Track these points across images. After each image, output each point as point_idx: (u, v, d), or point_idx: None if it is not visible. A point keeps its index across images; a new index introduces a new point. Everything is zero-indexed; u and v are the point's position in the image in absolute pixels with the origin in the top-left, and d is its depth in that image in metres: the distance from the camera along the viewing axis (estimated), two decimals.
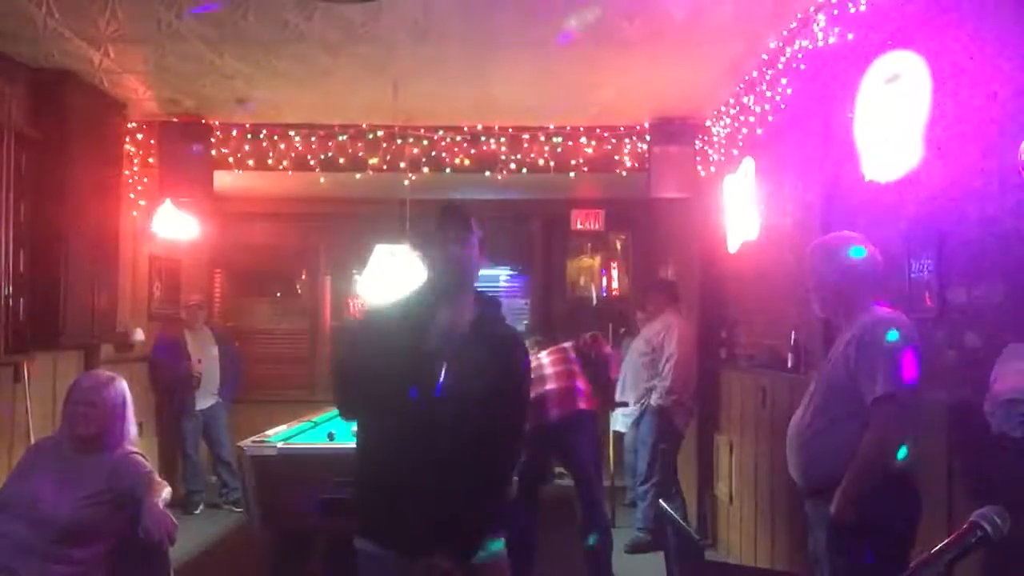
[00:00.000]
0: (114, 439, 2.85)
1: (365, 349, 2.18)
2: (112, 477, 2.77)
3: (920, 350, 2.41)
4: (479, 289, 2.32)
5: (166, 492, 2.84)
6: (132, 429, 2.95)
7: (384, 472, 2.13)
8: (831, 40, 3.64)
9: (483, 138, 6.05)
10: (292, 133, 6.00)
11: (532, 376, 4.55)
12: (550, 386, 4.50)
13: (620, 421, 5.92)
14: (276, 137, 6.01)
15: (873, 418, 2.35)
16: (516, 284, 8.11)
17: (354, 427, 2.29)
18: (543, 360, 4.68)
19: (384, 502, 2.12)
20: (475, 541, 2.13)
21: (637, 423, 5.55)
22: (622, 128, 6.01)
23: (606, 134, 6.02)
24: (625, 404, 5.74)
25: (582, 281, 8.18)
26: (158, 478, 2.89)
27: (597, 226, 7.39)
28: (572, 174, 6.06)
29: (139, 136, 5.88)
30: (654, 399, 5.36)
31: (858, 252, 2.59)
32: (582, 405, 4.54)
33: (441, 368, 2.08)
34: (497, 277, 8.03)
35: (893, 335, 2.38)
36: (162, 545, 2.71)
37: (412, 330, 2.13)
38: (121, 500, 2.77)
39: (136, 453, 2.92)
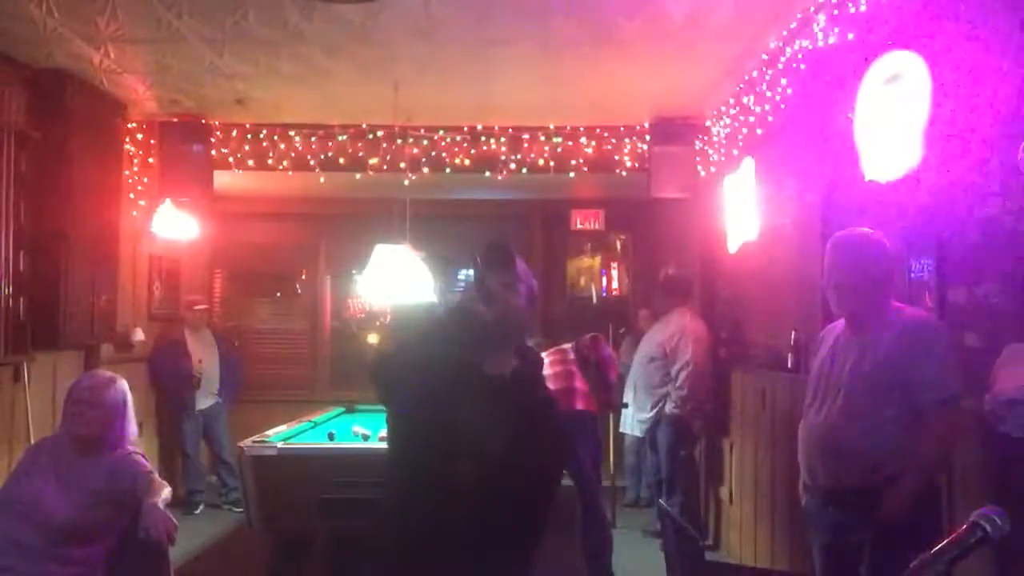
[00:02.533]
0: (114, 439, 2.85)
1: (401, 382, 1.97)
2: (113, 477, 2.77)
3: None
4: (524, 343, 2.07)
5: (166, 492, 2.83)
6: (132, 429, 2.95)
7: (404, 529, 1.93)
8: (831, 40, 3.64)
9: (483, 138, 6.05)
10: (292, 133, 6.00)
11: None
12: (549, 386, 4.49)
13: (632, 425, 5.70)
14: (276, 137, 6.02)
15: (938, 419, 2.33)
16: None
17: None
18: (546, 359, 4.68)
19: (405, 554, 1.92)
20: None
21: (652, 430, 5.37)
22: (622, 128, 6.01)
23: (606, 134, 6.02)
24: (625, 405, 5.67)
25: (582, 281, 8.18)
26: (158, 478, 2.89)
27: (597, 226, 7.39)
28: (572, 174, 6.06)
29: (139, 136, 5.88)
30: (669, 407, 5.19)
31: (885, 248, 2.56)
32: (580, 405, 4.53)
33: (468, 423, 1.86)
34: None
35: (945, 336, 2.39)
36: (162, 545, 2.71)
37: (450, 374, 1.89)
38: (121, 500, 2.77)
39: (136, 453, 2.92)
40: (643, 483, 6.52)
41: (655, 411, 5.31)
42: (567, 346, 4.85)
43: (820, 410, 2.58)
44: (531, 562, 1.97)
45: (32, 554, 2.61)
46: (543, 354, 4.69)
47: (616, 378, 5.08)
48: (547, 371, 4.57)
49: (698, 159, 5.84)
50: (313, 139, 6.02)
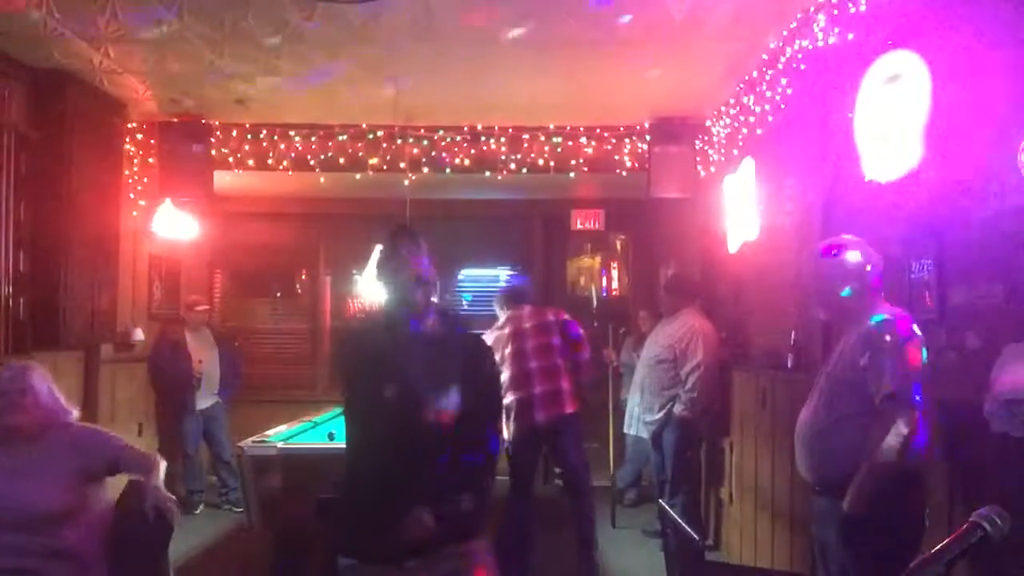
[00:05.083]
0: (56, 420, 2.83)
1: (347, 368, 2.42)
2: (80, 453, 2.78)
3: (924, 347, 2.45)
4: (436, 302, 2.45)
5: (162, 467, 2.88)
6: (69, 407, 2.90)
7: (366, 485, 2.26)
8: (831, 40, 3.64)
9: (483, 138, 6.05)
10: (292, 133, 6.00)
11: (513, 347, 4.59)
12: (537, 389, 4.58)
13: (638, 428, 5.65)
14: (276, 137, 6.02)
15: (886, 416, 2.38)
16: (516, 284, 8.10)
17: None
18: (525, 325, 4.71)
19: (367, 517, 2.24)
20: (453, 509, 2.24)
21: (660, 431, 5.28)
22: (622, 128, 6.01)
23: (606, 134, 6.02)
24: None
25: (582, 281, 8.18)
26: (141, 450, 2.92)
27: (597, 226, 7.38)
28: (572, 174, 6.06)
29: (139, 136, 5.88)
30: (678, 409, 5.10)
31: (859, 255, 2.61)
32: (568, 409, 4.64)
33: (411, 373, 2.25)
34: (497, 277, 8.03)
35: (898, 333, 2.42)
36: (168, 514, 2.73)
37: (384, 344, 2.32)
38: (96, 472, 2.79)
39: (86, 424, 2.94)
40: (618, 475, 6.45)
41: (663, 412, 5.26)
42: (552, 319, 4.79)
43: (805, 408, 2.71)
44: (486, 488, 2.36)
45: (18, 554, 2.59)
46: (527, 322, 4.71)
47: (588, 357, 5.02)
48: (533, 363, 4.63)
49: (698, 159, 5.84)
50: (313, 139, 6.02)
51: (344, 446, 2.41)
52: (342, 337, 2.86)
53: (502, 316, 4.89)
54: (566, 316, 4.90)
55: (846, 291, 2.59)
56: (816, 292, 2.71)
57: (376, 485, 2.21)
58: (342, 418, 5.28)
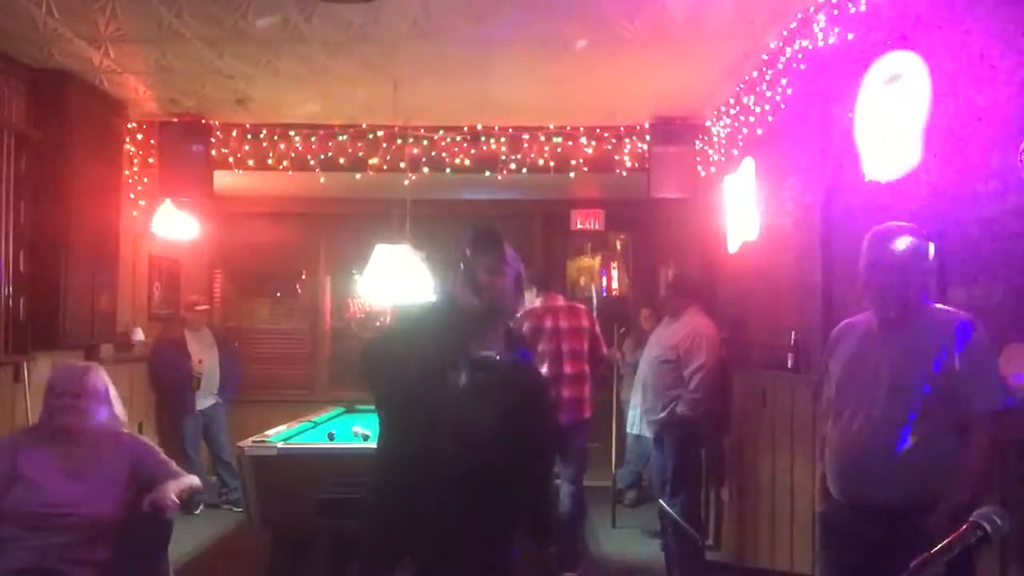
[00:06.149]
0: (109, 425, 2.83)
1: (385, 367, 2.00)
2: (133, 465, 2.79)
3: None
4: (510, 326, 2.09)
5: (186, 480, 2.88)
6: (121, 411, 2.92)
7: (400, 509, 1.94)
8: (831, 40, 3.64)
9: (483, 138, 6.05)
10: (292, 133, 6.00)
11: (551, 346, 4.70)
12: (566, 393, 4.72)
13: (641, 427, 5.67)
14: (276, 137, 6.02)
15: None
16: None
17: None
18: (562, 324, 4.83)
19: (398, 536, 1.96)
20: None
21: (663, 431, 5.19)
22: (622, 128, 6.00)
23: (606, 134, 6.02)
24: None
25: (582, 281, 8.19)
26: (175, 466, 2.93)
27: (597, 226, 7.39)
28: (572, 174, 6.06)
29: (139, 136, 5.88)
30: (681, 409, 5.02)
31: (928, 246, 2.39)
32: (587, 414, 4.85)
33: (461, 411, 1.90)
34: None
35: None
36: (167, 511, 2.74)
37: (435, 357, 1.91)
38: (141, 486, 2.79)
39: (132, 433, 2.96)
40: (618, 475, 6.44)
41: (666, 412, 5.23)
42: (586, 324, 4.91)
43: (855, 418, 2.37)
44: (513, 534, 2.03)
45: (52, 557, 2.60)
46: (563, 322, 4.82)
47: (606, 374, 5.30)
48: (567, 369, 4.77)
49: (698, 159, 5.84)
50: (313, 139, 6.02)
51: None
52: (385, 338, 2.30)
53: (534, 300, 4.95)
54: (598, 328, 5.08)
55: (920, 282, 2.36)
56: (885, 284, 2.35)
57: (406, 514, 1.91)
58: (342, 418, 5.31)
